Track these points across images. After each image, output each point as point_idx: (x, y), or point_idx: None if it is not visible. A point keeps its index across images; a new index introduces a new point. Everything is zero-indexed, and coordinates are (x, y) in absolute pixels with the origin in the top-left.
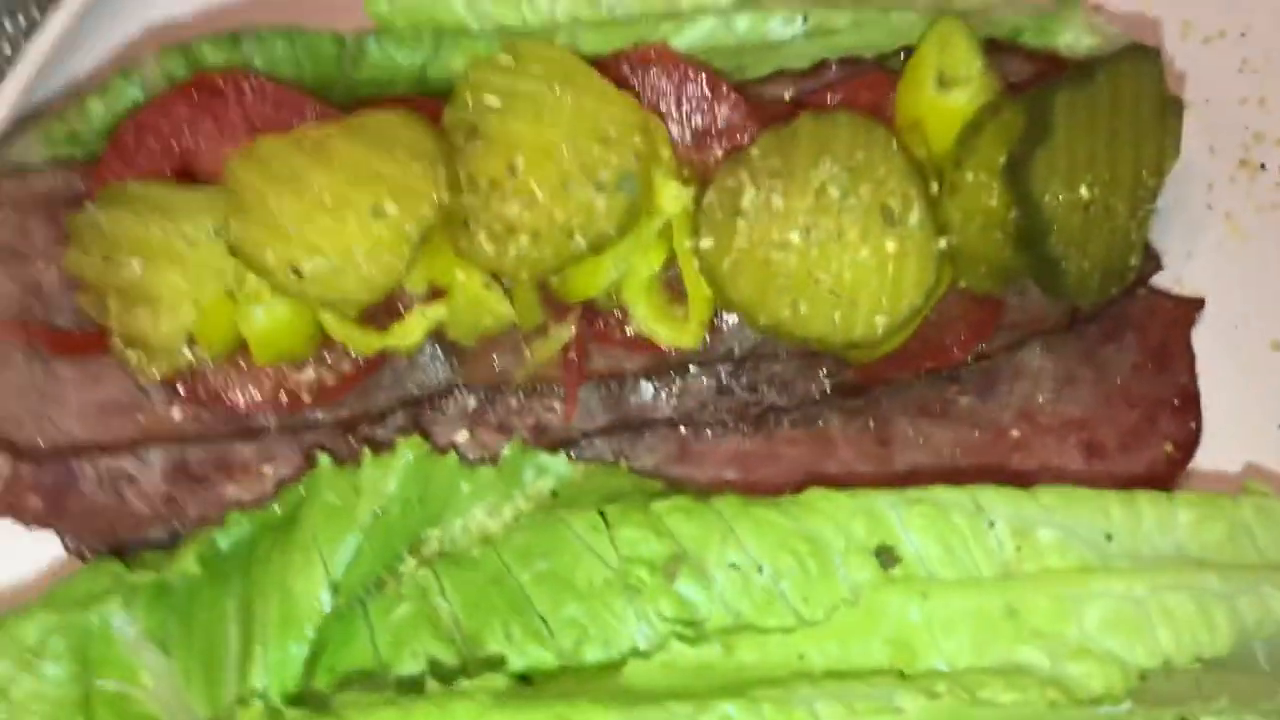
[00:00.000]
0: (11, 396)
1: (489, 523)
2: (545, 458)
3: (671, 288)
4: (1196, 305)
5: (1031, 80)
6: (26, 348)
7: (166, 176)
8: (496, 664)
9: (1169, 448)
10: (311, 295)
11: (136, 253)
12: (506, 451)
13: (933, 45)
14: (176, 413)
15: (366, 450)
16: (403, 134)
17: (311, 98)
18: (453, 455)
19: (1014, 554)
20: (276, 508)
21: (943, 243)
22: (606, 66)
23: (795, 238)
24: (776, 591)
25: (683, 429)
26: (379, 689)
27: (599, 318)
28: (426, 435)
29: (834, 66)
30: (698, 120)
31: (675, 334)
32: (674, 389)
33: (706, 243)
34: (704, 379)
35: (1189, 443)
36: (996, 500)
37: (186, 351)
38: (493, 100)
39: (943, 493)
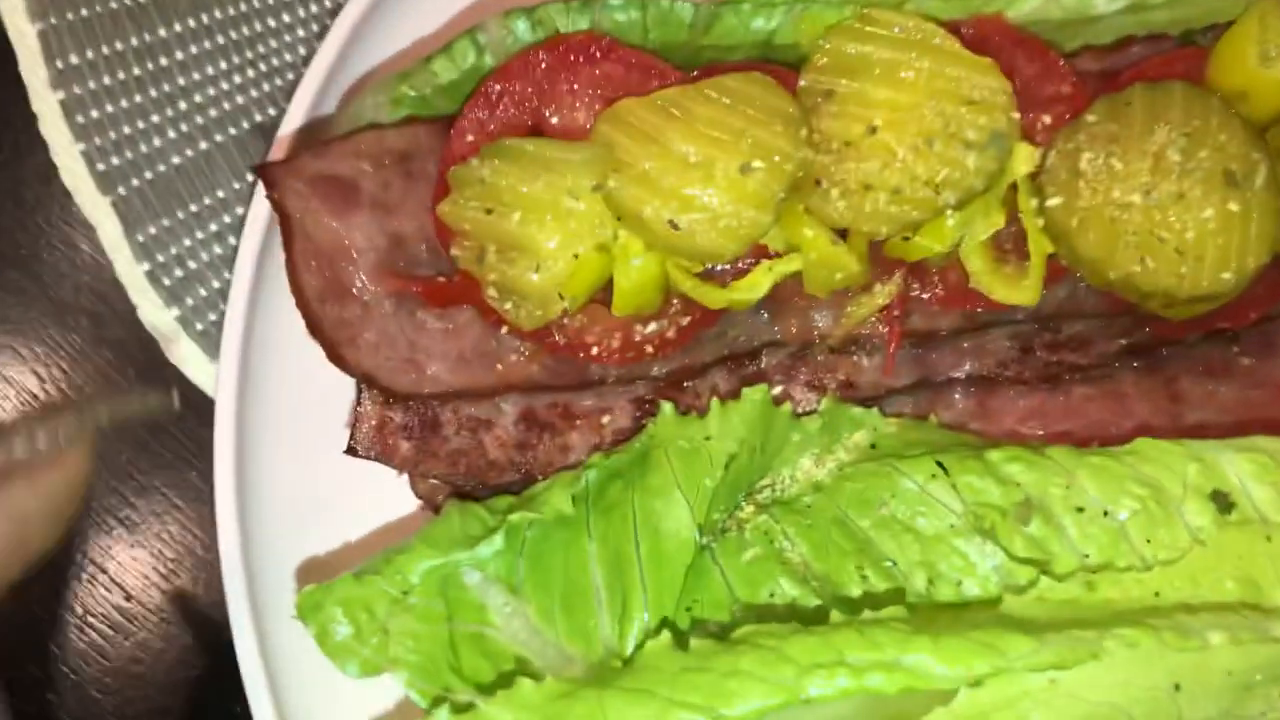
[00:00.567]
0: (384, 344)
1: (816, 472)
2: (860, 411)
3: (997, 247)
4: None
5: None
6: (396, 297)
7: (522, 134)
8: (858, 604)
9: None
10: (684, 248)
11: (519, 206)
12: (822, 405)
13: (1253, 22)
14: (531, 362)
15: (715, 400)
16: (760, 96)
17: (659, 61)
18: (787, 406)
19: None
20: (625, 454)
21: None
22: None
23: (1137, 198)
24: (1121, 534)
25: (980, 386)
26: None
27: (919, 276)
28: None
29: (1138, 43)
30: (1031, 89)
31: (1012, 291)
32: (976, 347)
33: (1054, 201)
34: (1005, 339)
35: None
36: None
37: (558, 302)
38: (851, 62)
39: (1267, 442)
